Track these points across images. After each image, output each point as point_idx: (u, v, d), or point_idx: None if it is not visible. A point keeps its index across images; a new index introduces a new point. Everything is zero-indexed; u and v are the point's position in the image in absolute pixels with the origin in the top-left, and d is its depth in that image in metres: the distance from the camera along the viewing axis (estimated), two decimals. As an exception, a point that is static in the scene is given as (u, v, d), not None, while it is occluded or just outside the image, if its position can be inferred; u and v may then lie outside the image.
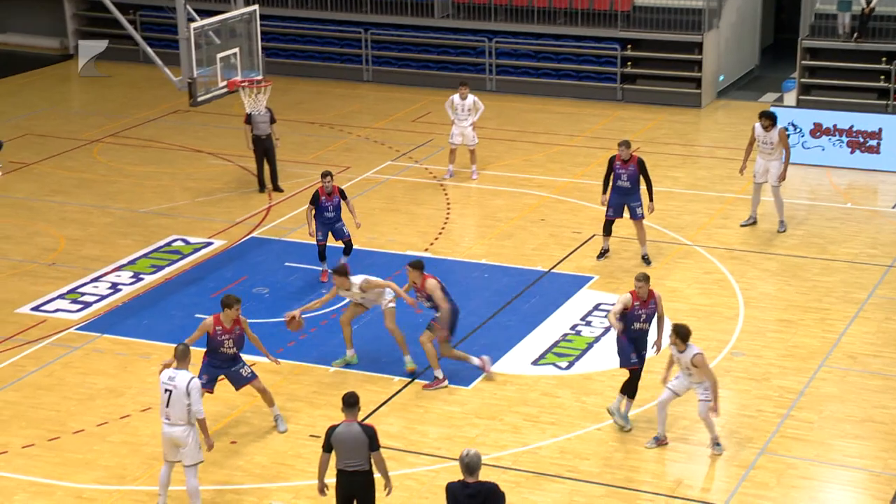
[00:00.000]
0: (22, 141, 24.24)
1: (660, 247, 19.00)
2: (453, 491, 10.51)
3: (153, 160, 23.26)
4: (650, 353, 14.42)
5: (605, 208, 18.32)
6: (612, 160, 18.10)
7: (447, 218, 20.34)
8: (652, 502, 12.91)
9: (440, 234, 19.69)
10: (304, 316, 15.22)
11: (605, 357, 15.60)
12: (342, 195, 17.76)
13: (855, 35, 24.83)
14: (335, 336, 16.27)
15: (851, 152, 22.41)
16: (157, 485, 12.89)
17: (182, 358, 12.40)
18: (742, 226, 19.65)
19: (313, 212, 17.60)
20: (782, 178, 19.20)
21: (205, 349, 13.85)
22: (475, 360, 15.30)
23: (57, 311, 17.16)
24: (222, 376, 13.95)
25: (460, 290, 17.65)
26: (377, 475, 11.52)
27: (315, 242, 17.79)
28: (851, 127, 22.39)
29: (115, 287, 17.88)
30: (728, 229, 19.69)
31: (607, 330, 16.23)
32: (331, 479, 11.62)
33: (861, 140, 22.37)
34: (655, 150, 23.47)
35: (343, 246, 17.94)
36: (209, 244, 19.30)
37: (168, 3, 23.58)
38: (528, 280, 17.93)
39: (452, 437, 13.97)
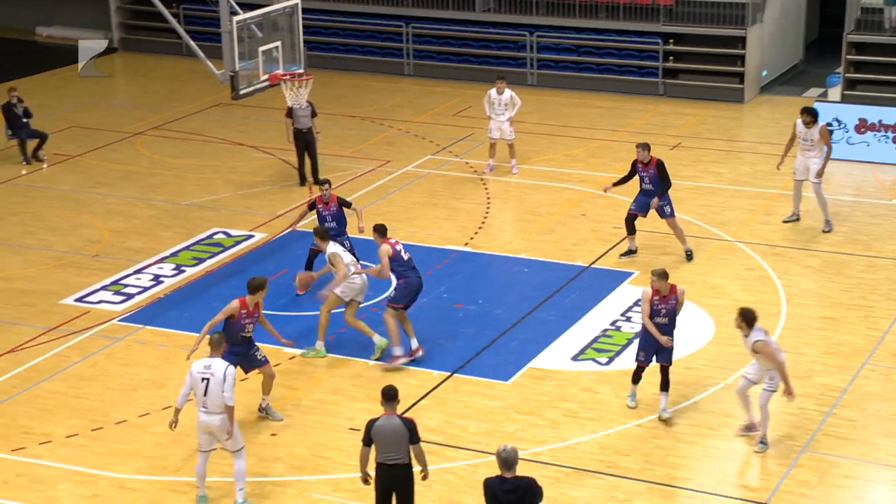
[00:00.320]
0: (67, 133, 24.45)
1: (701, 243, 18.90)
2: (491, 486, 10.51)
3: (195, 153, 23.40)
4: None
5: (604, 193, 18.72)
6: (634, 163, 18.04)
7: (487, 212, 20.32)
8: (692, 499, 12.85)
9: (480, 228, 19.68)
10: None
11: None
12: (342, 204, 16.97)
13: (901, 30, 24.60)
14: (375, 329, 16.22)
15: (897, 148, 22.22)
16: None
17: (217, 346, 12.48)
18: (784, 222, 19.50)
19: (308, 215, 17.28)
20: (820, 174, 19.01)
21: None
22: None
23: (100, 302, 17.30)
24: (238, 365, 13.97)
25: (500, 285, 17.72)
26: (417, 468, 11.52)
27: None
28: (897, 122, 22.20)
29: (157, 279, 18.00)
30: (770, 225, 19.55)
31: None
32: (370, 473, 11.65)
33: (906, 136, 22.16)
34: (698, 146, 23.35)
35: None
36: (250, 237, 19.38)
37: (211, -4, 23.72)
38: (568, 275, 17.88)
39: (492, 432, 13.96)
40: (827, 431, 13.92)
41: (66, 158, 23.09)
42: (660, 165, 17.83)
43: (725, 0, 25.96)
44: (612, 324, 16.46)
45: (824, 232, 19.16)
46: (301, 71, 20.03)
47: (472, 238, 19.29)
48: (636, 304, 16.90)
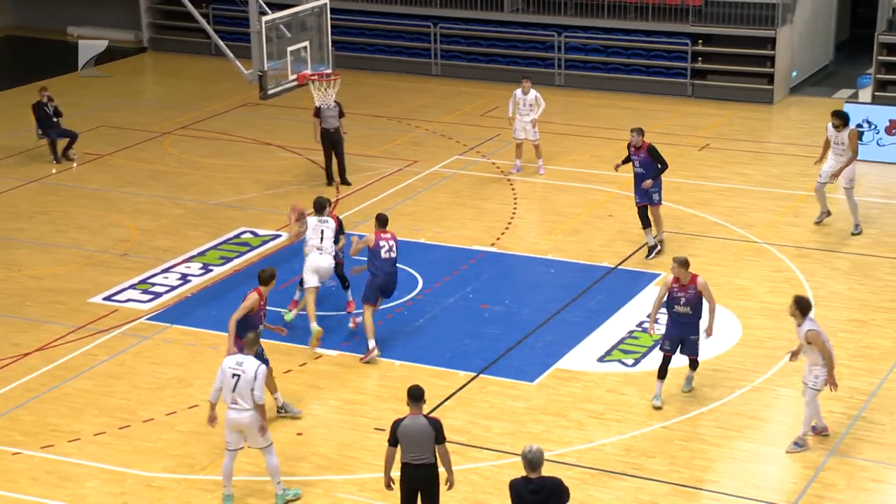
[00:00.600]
0: (96, 132, 24.58)
1: (728, 244, 18.82)
2: (517, 487, 10.50)
3: (223, 152, 23.48)
4: (702, 337, 14.42)
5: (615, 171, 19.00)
6: (629, 146, 18.31)
7: (514, 213, 20.30)
8: (718, 502, 12.80)
9: (507, 228, 19.65)
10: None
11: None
12: (340, 227, 16.36)
13: (933, 30, 24.42)
14: (401, 330, 16.35)
15: (927, 150, 22.05)
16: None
17: (252, 345, 12.53)
18: (816, 223, 19.33)
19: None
20: (836, 175, 18.75)
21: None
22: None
23: (128, 300, 17.38)
24: None
25: (526, 286, 17.69)
26: (442, 469, 11.53)
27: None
28: (928, 124, 22.04)
29: (184, 278, 18.07)
30: (799, 227, 19.43)
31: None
32: (395, 473, 11.63)
33: (937, 138, 22.00)
34: (726, 147, 23.25)
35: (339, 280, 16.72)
36: (277, 236, 19.42)
37: (240, -4, 23.78)
38: (594, 276, 17.84)
39: (517, 433, 13.94)
40: (855, 435, 13.83)
41: (95, 158, 23.22)
42: (651, 150, 17.99)
43: (755, 0, 25.83)
44: (639, 325, 16.40)
45: (853, 234, 19.03)
46: (329, 71, 20.05)
47: (498, 238, 19.27)
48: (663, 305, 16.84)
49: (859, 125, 22.07)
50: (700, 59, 26.34)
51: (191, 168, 22.72)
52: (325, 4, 20.14)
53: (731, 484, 13.05)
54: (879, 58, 24.91)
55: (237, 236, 19.54)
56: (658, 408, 14.39)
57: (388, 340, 16.06)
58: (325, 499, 12.90)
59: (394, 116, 25.36)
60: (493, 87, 26.74)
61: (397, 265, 15.67)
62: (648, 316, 15.21)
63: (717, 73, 26.27)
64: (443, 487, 11.63)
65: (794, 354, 13.64)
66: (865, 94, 24.89)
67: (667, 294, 14.29)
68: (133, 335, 16.39)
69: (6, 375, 15.36)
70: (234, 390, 12.34)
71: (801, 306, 13.31)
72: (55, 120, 22.75)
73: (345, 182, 21.47)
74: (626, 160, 18.46)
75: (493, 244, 19.04)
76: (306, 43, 19.78)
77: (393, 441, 11.44)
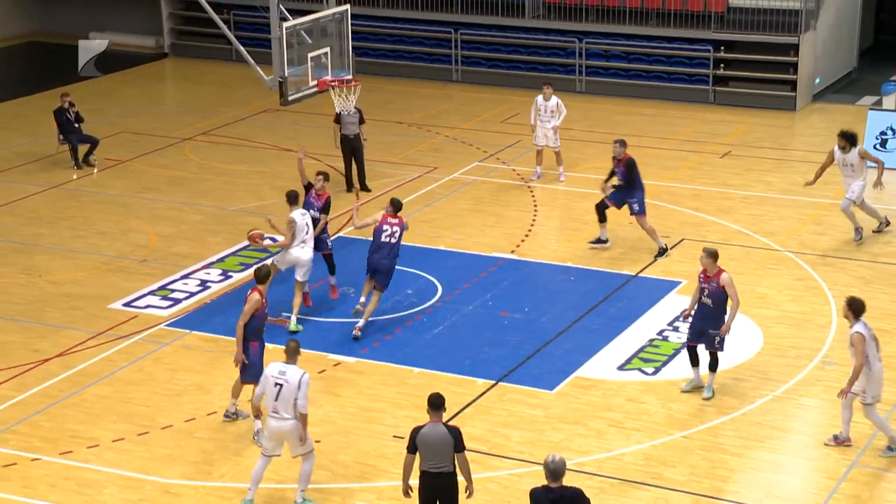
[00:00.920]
0: (117, 138, 24.62)
1: (750, 252, 18.71)
2: (537, 496, 10.43)
3: (244, 159, 23.49)
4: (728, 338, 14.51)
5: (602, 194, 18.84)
6: (613, 159, 18.58)
7: (534, 220, 20.23)
8: (738, 513, 12.72)
9: (527, 235, 19.58)
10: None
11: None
12: (326, 205, 16.99)
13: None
14: (420, 337, 16.31)
15: (952, 158, 21.86)
16: (242, 481, 13.03)
17: (293, 353, 12.46)
18: (876, 231, 19.11)
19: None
20: (877, 183, 18.67)
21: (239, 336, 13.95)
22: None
23: (148, 307, 17.38)
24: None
25: (546, 293, 17.62)
26: (461, 477, 11.48)
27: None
28: (952, 132, 21.86)
29: (204, 284, 18.06)
30: (822, 235, 19.30)
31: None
32: (414, 481, 11.60)
33: (962, 145, 21.82)
34: (748, 154, 23.12)
35: (326, 263, 17.22)
36: (297, 243, 19.37)
37: (261, 2, 23.77)
38: (614, 284, 17.76)
39: (536, 442, 13.87)
40: (878, 445, 13.69)
41: (115, 163, 23.26)
42: (628, 164, 18.29)
43: (778, 7, 25.68)
44: (659, 333, 16.32)
45: (874, 231, 18.85)
46: (349, 77, 20.02)
47: (518, 246, 19.20)
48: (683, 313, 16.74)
49: (883, 132, 21.93)
50: (722, 65, 26.21)
51: (211, 174, 22.73)
52: (346, 10, 20.12)
53: (752, 494, 12.95)
54: (904, 64, 24.77)
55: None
56: (689, 390, 14.59)
57: (407, 347, 16.03)
58: (342, 507, 12.88)
59: (414, 123, 25.33)
60: (514, 94, 26.68)
61: (395, 252, 16.18)
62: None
63: (739, 79, 26.14)
64: (462, 496, 11.56)
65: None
66: (889, 101, 24.66)
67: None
68: (152, 341, 16.39)
69: (26, 381, 15.39)
70: (276, 399, 12.31)
71: (854, 307, 13.23)
72: (76, 126, 22.81)
73: (364, 188, 21.43)
74: (611, 174, 18.60)
75: (512, 251, 18.97)
76: (327, 49, 19.75)
77: (412, 448, 11.40)
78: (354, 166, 21.41)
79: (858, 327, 13.16)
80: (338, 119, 21.05)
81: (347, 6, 20.24)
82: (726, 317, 14.42)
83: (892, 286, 17.57)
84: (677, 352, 15.80)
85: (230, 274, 18.40)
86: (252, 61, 19.77)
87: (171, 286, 18.02)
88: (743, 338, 15.91)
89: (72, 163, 22.89)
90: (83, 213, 20.92)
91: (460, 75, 28.18)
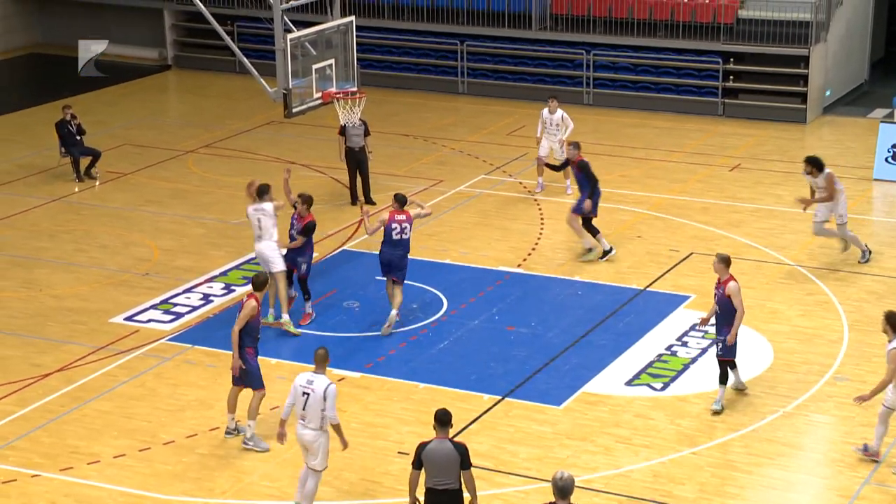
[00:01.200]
0: (119, 151, 24.52)
1: (760, 266, 18.52)
2: (544, 515, 10.26)
3: (247, 171, 23.26)
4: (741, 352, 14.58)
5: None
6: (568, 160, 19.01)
7: (540, 233, 20.06)
8: (750, 532, 12.51)
9: (533, 249, 19.42)
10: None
11: (702, 379, 15.24)
12: (306, 229, 16.66)
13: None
14: (425, 351, 16.18)
15: (965, 171, 21.66)
16: (244, 498, 12.98)
17: (322, 362, 12.50)
18: (861, 262, 18.75)
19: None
20: (806, 204, 18.37)
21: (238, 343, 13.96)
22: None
23: (149, 321, 17.24)
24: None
25: (552, 308, 17.47)
26: (467, 494, 11.33)
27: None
28: (965, 145, 21.65)
29: (206, 298, 17.92)
30: (832, 249, 19.09)
31: (704, 351, 15.89)
32: (419, 498, 11.45)
33: (975, 158, 21.61)
34: (758, 167, 22.95)
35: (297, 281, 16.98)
36: (301, 256, 19.22)
37: (266, 14, 23.69)
38: (622, 298, 17.59)
39: (543, 458, 13.72)
40: (891, 463, 13.51)
41: (118, 176, 23.14)
42: (580, 166, 18.44)
43: (788, 19, 25.51)
44: (668, 348, 16.15)
45: (860, 262, 18.44)
46: (354, 89, 19.91)
47: (524, 259, 19.04)
48: (692, 328, 16.63)
49: (894, 145, 21.74)
50: (731, 77, 26.04)
51: (213, 187, 22.59)
52: (351, 22, 20.05)
53: (764, 513, 12.76)
54: (915, 77, 24.59)
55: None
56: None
57: (412, 362, 15.89)
58: (346, 525, 12.70)
59: (419, 135, 25.20)
60: (521, 106, 26.54)
61: (407, 247, 16.45)
62: None
63: (748, 91, 25.97)
64: (467, 514, 11.40)
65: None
66: (901, 113, 24.58)
67: None
68: (154, 356, 16.25)
69: (27, 396, 15.26)
70: (303, 408, 12.40)
71: (892, 322, 13.09)
72: (78, 138, 22.70)
73: (369, 202, 21.29)
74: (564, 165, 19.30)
75: (519, 265, 18.82)
76: (332, 61, 19.66)
77: (417, 464, 11.30)
78: (359, 179, 21.25)
79: None
80: (342, 131, 20.92)
81: (352, 17, 20.21)
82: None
83: (904, 301, 17.37)
84: (686, 367, 15.64)
85: (233, 288, 18.25)
86: (256, 73, 19.71)
87: (173, 300, 17.88)
88: (753, 353, 15.74)
89: (73, 175, 22.77)
90: (85, 227, 20.79)
91: (466, 87, 28.04)
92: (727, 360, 14.54)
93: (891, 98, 25.63)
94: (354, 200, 21.35)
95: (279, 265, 16.62)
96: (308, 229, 16.72)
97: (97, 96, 27.47)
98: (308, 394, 12.34)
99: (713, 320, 14.67)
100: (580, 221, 18.64)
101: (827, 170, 18.29)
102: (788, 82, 25.61)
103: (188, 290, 18.19)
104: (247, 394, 14.17)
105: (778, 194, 21.60)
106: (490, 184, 22.36)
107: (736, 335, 14.34)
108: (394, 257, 16.35)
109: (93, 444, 14.20)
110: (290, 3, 19.62)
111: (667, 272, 18.40)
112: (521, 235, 19.96)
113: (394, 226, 16.34)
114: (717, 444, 13.95)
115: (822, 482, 13.29)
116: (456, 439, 11.45)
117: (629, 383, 15.35)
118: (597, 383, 15.33)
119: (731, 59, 26.02)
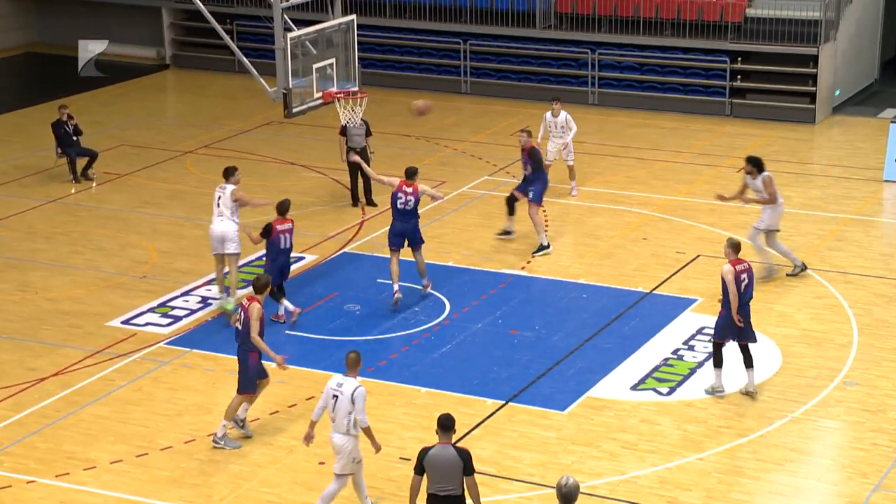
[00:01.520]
0: (116, 152, 24.34)
1: (769, 269, 18.27)
2: (549, 524, 10.04)
3: (246, 172, 22.89)
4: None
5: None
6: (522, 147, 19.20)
7: (545, 235, 19.83)
8: (759, 541, 12.29)
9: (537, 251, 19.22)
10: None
11: (709, 384, 15.00)
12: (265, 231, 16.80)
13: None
14: (427, 356, 16.03)
15: (975, 172, 21.42)
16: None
17: (353, 365, 12.46)
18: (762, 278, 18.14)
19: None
20: (745, 199, 18.12)
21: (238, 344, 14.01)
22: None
23: (147, 324, 17.07)
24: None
25: (557, 311, 17.32)
26: (469, 500, 11.18)
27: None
28: (975, 145, 21.41)
29: (204, 301, 17.73)
30: (842, 251, 18.91)
31: (710, 356, 15.67)
32: (420, 502, 11.31)
33: None
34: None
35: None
36: (300, 259, 19.08)
37: (265, 12, 23.52)
38: (628, 301, 17.40)
39: (547, 464, 13.57)
40: (903, 469, 13.29)
41: (115, 177, 22.96)
42: (531, 153, 18.79)
43: (797, 17, 25.28)
44: (674, 352, 15.97)
45: (788, 275, 17.97)
46: (356, 89, 19.74)
47: (528, 262, 18.83)
48: (699, 332, 16.47)
49: (769, 176, 21.47)
50: (739, 77, 25.82)
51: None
52: (353, 21, 19.89)
53: (773, 521, 12.55)
54: (925, 76, 24.37)
55: (259, 258, 19.15)
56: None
57: (414, 366, 15.74)
58: (346, 533, 12.49)
59: (422, 136, 25.02)
60: (524, 106, 26.36)
61: (417, 215, 17.09)
62: None
63: (756, 91, 25.75)
64: (470, 521, 11.20)
65: None
66: (911, 114, 24.39)
67: None
68: (151, 360, 16.08)
69: (22, 401, 15.09)
70: (333, 410, 12.43)
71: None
72: (75, 139, 22.52)
73: (370, 203, 21.11)
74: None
75: (523, 268, 18.61)
76: (332, 60, 19.49)
77: (419, 469, 11.19)
78: (360, 180, 21.04)
79: None
80: (343, 131, 20.72)
81: (353, 16, 20.06)
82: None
83: (915, 304, 17.16)
84: (693, 371, 15.47)
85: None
86: (255, 72, 19.58)
87: (171, 303, 17.70)
88: (761, 357, 15.53)
89: (70, 176, 22.57)
90: (81, 228, 20.61)
91: (469, 87, 27.84)
92: (717, 342, 14.75)
93: (901, 98, 25.53)
94: (356, 202, 21.16)
95: (234, 248, 16.98)
96: (266, 232, 16.85)
97: (94, 96, 27.31)
98: (337, 396, 12.37)
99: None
100: (539, 213, 19.09)
101: (766, 172, 18.06)
102: (797, 82, 25.39)
103: (186, 293, 18.01)
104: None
105: (786, 195, 21.18)
106: (493, 185, 22.17)
107: (724, 317, 14.54)
108: (407, 227, 17.07)
109: (89, 449, 14.05)
110: (291, 1, 19.45)
111: (673, 275, 18.20)
112: (525, 237, 19.75)
113: (399, 195, 17.00)
114: (724, 450, 13.78)
115: (830, 488, 13.11)
116: (459, 445, 11.31)
117: (635, 388, 15.17)
118: (602, 388, 15.16)
119: (739, 59, 25.80)
